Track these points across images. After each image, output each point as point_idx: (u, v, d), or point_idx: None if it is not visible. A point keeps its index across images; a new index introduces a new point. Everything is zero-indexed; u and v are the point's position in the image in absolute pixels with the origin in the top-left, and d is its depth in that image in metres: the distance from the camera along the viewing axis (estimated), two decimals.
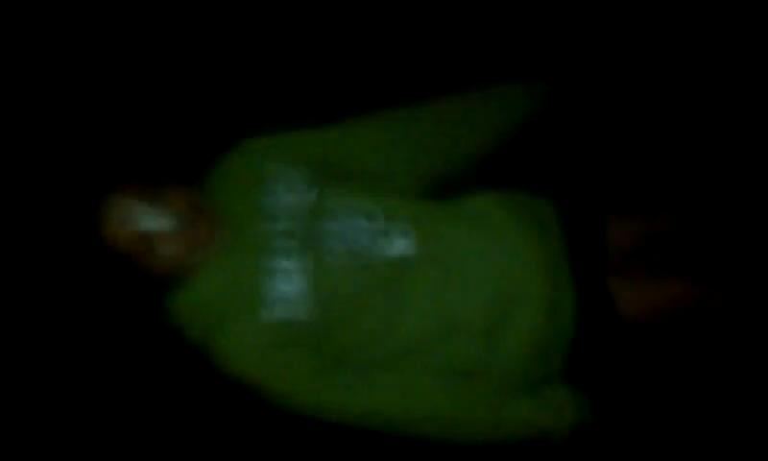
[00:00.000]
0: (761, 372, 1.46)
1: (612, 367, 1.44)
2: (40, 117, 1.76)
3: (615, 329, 1.32)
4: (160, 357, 1.61)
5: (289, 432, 1.63)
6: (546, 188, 1.42)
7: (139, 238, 1.21)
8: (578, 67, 1.69)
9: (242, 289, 1.24)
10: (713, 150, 1.63)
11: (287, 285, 1.22)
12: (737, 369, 1.50)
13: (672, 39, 1.71)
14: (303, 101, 1.78)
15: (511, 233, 1.28)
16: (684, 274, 1.38)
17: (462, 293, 1.25)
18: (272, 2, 1.80)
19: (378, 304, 1.24)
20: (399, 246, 1.26)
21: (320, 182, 1.30)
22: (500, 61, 1.70)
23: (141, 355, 1.65)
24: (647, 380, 1.54)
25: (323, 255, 1.24)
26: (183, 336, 1.28)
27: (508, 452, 1.35)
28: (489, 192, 1.34)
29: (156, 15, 1.81)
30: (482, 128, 1.40)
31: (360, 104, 1.50)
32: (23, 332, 1.67)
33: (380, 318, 1.24)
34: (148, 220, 1.21)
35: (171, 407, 1.67)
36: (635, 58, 1.72)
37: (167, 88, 1.80)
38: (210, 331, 1.24)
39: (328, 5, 1.80)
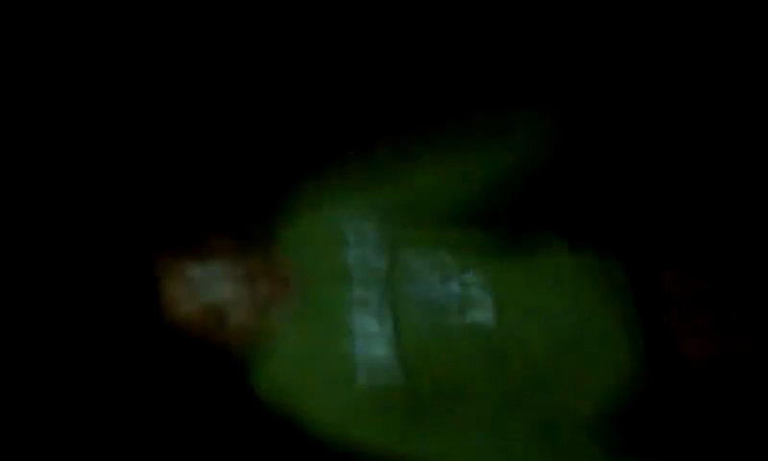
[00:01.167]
0: None
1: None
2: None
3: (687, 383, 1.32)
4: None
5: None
6: (600, 237, 1.42)
7: (206, 311, 1.12)
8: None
9: (329, 356, 1.20)
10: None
11: (375, 350, 1.19)
12: None
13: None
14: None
15: (588, 293, 1.28)
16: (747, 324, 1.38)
17: (545, 354, 1.23)
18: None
19: (466, 366, 1.23)
20: (476, 313, 1.24)
21: (393, 236, 1.27)
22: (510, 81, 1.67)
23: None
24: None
25: (402, 319, 1.21)
26: (272, 413, 1.22)
27: None
28: (562, 248, 1.32)
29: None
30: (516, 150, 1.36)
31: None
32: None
33: (470, 378, 1.23)
34: (212, 286, 1.11)
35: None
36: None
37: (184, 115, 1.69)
38: (302, 404, 1.20)
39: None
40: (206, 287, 1.11)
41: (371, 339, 1.19)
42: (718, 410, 1.49)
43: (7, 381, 1.55)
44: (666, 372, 1.31)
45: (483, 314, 1.21)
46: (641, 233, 1.60)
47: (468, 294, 1.22)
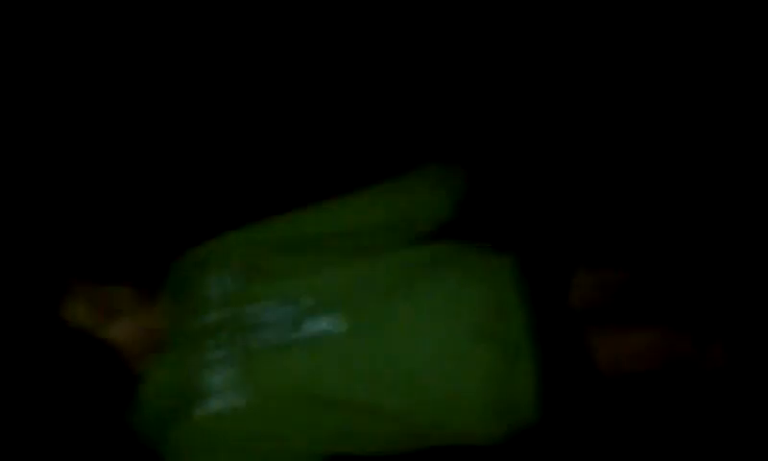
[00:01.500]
0: (740, 414, 1.40)
1: (596, 420, 1.37)
2: None
3: (594, 382, 1.26)
4: None
5: None
6: (508, 242, 1.37)
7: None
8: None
9: (182, 385, 1.22)
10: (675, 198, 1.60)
11: (218, 376, 1.19)
12: (717, 413, 1.43)
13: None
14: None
15: (453, 298, 1.21)
16: (656, 322, 1.32)
17: (393, 367, 1.17)
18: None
19: (310, 382, 1.20)
20: (324, 324, 1.20)
21: (248, 273, 1.29)
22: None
23: None
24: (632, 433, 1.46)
25: (250, 343, 1.21)
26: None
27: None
28: (438, 249, 1.28)
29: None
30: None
31: None
32: None
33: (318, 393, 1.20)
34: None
35: None
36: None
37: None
38: (161, 430, 1.22)
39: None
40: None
41: (218, 365, 1.20)
42: (630, 414, 1.44)
43: None
44: (577, 377, 1.24)
45: (330, 325, 1.17)
46: (553, 238, 1.55)
47: (315, 309, 1.21)
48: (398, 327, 1.19)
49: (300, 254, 1.29)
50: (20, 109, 1.74)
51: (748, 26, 1.66)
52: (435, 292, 1.22)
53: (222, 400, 1.17)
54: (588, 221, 1.62)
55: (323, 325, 1.19)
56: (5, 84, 1.74)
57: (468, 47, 1.74)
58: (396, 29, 1.75)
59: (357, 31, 1.75)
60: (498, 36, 1.72)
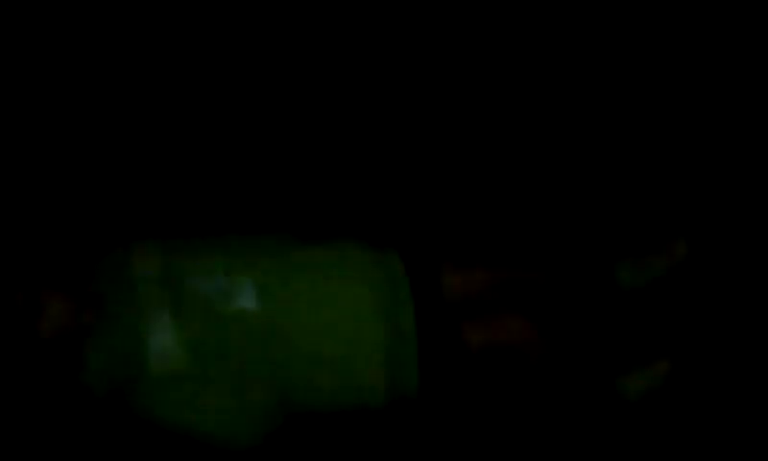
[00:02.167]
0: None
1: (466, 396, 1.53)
2: None
3: (466, 364, 1.43)
4: None
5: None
6: (384, 238, 1.51)
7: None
8: None
9: (123, 353, 1.35)
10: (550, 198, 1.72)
11: (158, 343, 1.36)
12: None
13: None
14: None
15: (351, 289, 1.39)
16: (520, 316, 1.49)
17: (298, 350, 1.36)
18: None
19: (231, 355, 1.38)
20: (242, 303, 1.39)
21: (178, 255, 1.43)
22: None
23: None
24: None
25: (179, 314, 1.37)
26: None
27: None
28: (336, 245, 1.44)
29: None
30: None
31: None
32: None
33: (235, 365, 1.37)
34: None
35: None
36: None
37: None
38: (110, 391, 1.36)
39: None
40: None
41: (155, 333, 1.36)
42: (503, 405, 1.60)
43: None
44: (448, 369, 1.42)
45: (247, 304, 1.35)
46: (422, 231, 1.68)
47: (235, 289, 1.38)
48: (309, 313, 1.37)
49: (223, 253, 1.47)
50: None
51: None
52: (342, 283, 1.41)
53: (164, 364, 1.35)
54: (456, 219, 1.74)
55: (245, 302, 1.38)
56: None
57: None
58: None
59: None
60: None
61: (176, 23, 1.85)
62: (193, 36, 1.92)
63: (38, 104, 1.78)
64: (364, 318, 1.38)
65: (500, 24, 1.86)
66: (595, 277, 1.54)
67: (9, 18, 1.82)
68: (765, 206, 1.81)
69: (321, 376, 1.39)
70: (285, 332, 1.39)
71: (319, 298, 1.38)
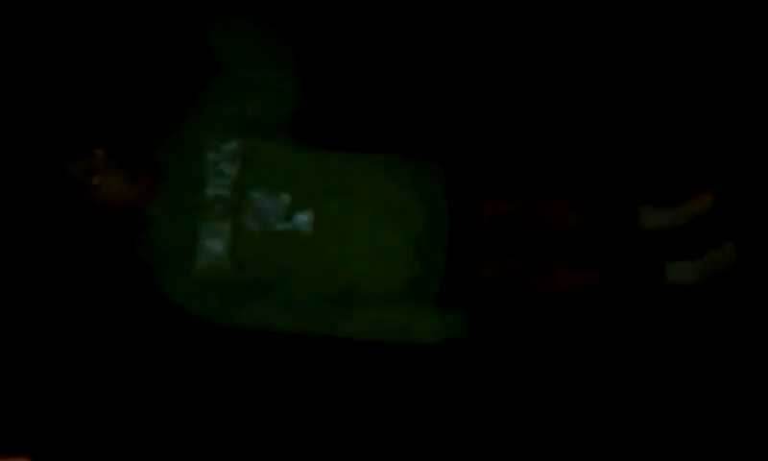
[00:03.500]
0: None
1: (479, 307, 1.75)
2: None
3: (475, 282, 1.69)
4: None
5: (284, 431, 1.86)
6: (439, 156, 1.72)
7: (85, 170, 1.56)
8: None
9: (179, 243, 1.58)
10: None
11: (211, 244, 1.57)
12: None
13: None
14: None
15: (393, 200, 1.63)
16: (528, 252, 1.74)
17: (351, 260, 1.60)
18: None
19: (284, 265, 1.60)
20: (300, 223, 1.59)
21: (242, 152, 1.61)
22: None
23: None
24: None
25: (239, 225, 1.59)
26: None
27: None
28: (377, 161, 1.66)
29: None
30: None
31: None
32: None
33: (286, 274, 1.60)
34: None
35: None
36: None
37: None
38: (159, 273, 1.60)
39: None
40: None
41: (211, 235, 1.57)
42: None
43: None
44: (463, 269, 1.66)
45: (304, 225, 1.58)
46: (465, 164, 1.84)
47: (295, 210, 1.58)
48: (354, 226, 1.60)
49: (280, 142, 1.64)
50: None
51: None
52: (384, 196, 1.64)
53: (213, 260, 1.55)
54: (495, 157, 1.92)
55: (296, 222, 1.58)
56: None
57: None
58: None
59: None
60: None
61: None
62: None
63: None
64: (407, 203, 1.63)
65: None
66: (618, 215, 1.67)
67: None
68: None
69: (372, 257, 1.62)
70: (345, 229, 1.63)
71: (374, 189, 1.64)
